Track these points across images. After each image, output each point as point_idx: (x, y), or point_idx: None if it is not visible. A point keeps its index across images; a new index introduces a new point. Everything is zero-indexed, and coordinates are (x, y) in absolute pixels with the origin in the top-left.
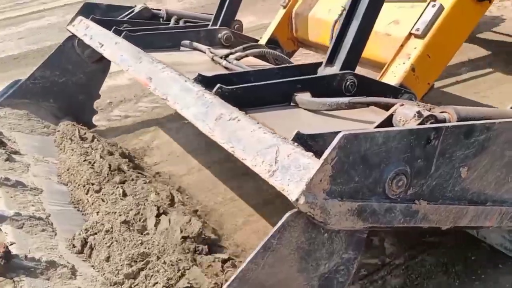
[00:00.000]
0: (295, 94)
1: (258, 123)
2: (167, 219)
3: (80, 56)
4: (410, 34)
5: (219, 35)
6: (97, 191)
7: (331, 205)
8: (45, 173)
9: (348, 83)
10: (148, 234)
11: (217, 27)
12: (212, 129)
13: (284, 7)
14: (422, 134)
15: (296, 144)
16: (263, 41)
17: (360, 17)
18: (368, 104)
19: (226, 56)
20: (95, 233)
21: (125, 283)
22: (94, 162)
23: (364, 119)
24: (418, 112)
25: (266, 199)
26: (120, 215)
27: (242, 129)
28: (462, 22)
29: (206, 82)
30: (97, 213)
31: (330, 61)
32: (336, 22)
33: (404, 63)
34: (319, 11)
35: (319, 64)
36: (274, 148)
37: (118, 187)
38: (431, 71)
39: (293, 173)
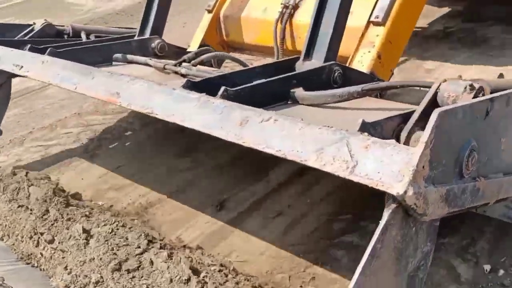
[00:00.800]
0: (292, 91)
1: (301, 119)
2: (162, 254)
3: None
4: (369, 22)
5: (153, 45)
6: (50, 241)
7: (429, 193)
8: None
9: (336, 74)
10: (148, 276)
11: (147, 36)
12: (239, 135)
13: (210, 11)
14: (482, 107)
15: (366, 134)
16: (192, 48)
17: (336, 8)
18: (379, 90)
19: (179, 63)
20: None
21: None
22: (30, 206)
23: (372, 107)
24: (471, 85)
25: None
26: (104, 261)
27: (285, 129)
28: (414, 5)
29: (195, 88)
30: (65, 267)
31: (308, 55)
32: (278, 20)
33: (369, 51)
34: (253, 11)
35: (295, 59)
36: (343, 142)
37: (74, 230)
38: (393, 57)
39: (385, 165)
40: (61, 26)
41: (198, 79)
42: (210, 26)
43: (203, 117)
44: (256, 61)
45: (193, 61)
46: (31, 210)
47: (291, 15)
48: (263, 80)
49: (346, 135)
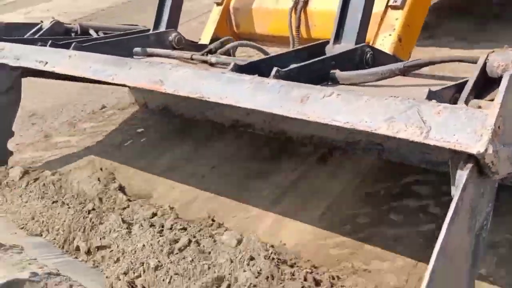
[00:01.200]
0: (332, 71)
1: (363, 93)
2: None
3: None
4: (388, 6)
5: (170, 38)
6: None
7: (501, 152)
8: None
9: (368, 55)
10: (208, 256)
11: (163, 30)
12: (302, 111)
13: (219, 4)
14: None
15: (434, 101)
16: (204, 41)
17: None
18: (421, 66)
19: (206, 53)
20: (140, 274)
21: None
22: (66, 201)
23: (411, 84)
24: None
25: None
26: (157, 247)
27: (351, 103)
28: None
29: (242, 71)
30: (117, 259)
31: (337, 38)
32: (292, 9)
33: (390, 34)
34: (265, 2)
35: (325, 43)
36: (413, 110)
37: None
38: (412, 40)
39: (460, 127)
40: (69, 24)
41: (242, 63)
42: (221, 18)
43: (260, 98)
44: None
45: (219, 50)
46: (67, 204)
47: (305, 3)
48: (307, 62)
49: (416, 103)
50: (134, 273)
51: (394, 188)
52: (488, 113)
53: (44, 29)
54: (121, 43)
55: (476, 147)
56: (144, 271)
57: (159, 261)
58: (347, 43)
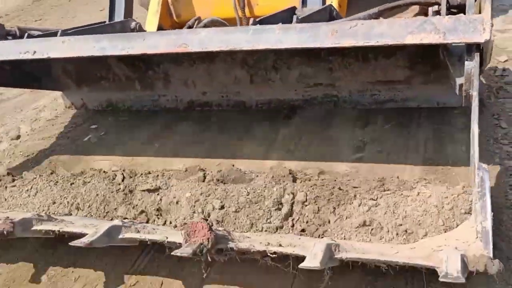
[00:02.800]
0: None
1: (381, 19)
2: None
3: None
4: None
5: (132, 26)
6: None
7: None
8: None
9: (334, 13)
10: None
11: (123, 19)
12: (336, 41)
13: None
14: None
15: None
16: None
17: None
18: (392, 9)
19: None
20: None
21: None
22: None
23: None
24: None
25: None
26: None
27: (375, 27)
28: None
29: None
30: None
31: (304, 3)
32: None
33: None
34: None
35: (293, 8)
36: (428, 22)
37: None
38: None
39: (467, 27)
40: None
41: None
42: (163, 9)
43: (293, 38)
44: None
45: (197, 26)
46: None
47: None
48: (314, 11)
49: (427, 19)
50: None
51: None
52: (482, 15)
53: None
54: (97, 31)
55: (481, 38)
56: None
57: None
58: (313, 6)
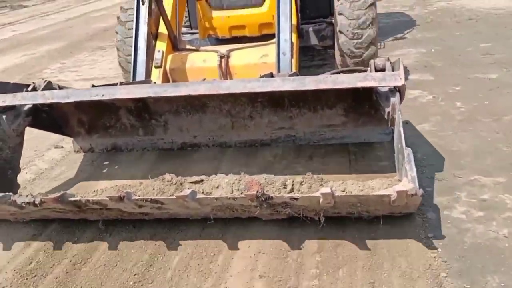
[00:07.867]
0: None
1: (341, 74)
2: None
3: (5, 131)
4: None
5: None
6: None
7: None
8: None
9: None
10: None
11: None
12: (317, 84)
13: (159, 66)
14: None
15: (372, 72)
16: None
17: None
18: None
19: None
20: None
21: None
22: None
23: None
24: None
25: None
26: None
27: (339, 77)
28: None
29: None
30: None
31: (279, 70)
32: (219, 65)
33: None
34: (195, 63)
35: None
36: (370, 75)
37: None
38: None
39: (390, 78)
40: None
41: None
42: (163, 78)
43: (289, 84)
44: None
45: None
46: None
47: (227, 60)
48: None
49: (368, 74)
50: None
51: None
52: (398, 72)
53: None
54: None
55: (400, 83)
56: None
57: None
58: (284, 72)
